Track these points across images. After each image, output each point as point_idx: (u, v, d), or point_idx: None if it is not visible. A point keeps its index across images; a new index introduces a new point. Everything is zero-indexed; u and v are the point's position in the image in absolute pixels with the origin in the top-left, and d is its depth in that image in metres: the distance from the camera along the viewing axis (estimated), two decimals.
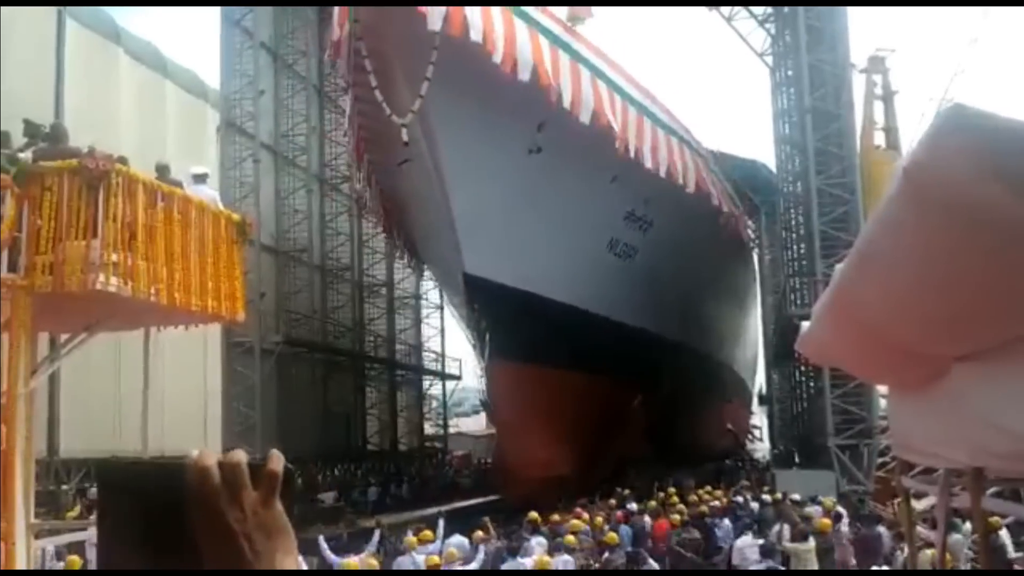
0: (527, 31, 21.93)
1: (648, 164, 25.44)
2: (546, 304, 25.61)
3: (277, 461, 1.16)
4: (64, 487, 30.03)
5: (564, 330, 25.81)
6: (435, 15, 19.80)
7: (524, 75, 21.36)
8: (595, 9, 26.74)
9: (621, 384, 28.99)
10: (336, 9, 21.74)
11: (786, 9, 33.16)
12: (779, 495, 21.47)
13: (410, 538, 15.49)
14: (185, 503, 1.14)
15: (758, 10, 42.56)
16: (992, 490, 4.04)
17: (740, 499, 21.75)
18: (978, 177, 2.02)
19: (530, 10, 22.63)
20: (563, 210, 25.14)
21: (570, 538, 15.20)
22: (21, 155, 9.12)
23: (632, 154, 24.79)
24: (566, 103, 22.51)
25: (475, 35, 20.48)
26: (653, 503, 20.59)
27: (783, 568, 14.52)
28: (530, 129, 23.40)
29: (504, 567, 13.97)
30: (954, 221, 2.24)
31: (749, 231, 50.72)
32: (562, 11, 24.51)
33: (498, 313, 24.89)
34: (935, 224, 2.34)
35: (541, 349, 25.27)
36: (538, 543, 14.71)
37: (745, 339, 51.08)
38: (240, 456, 1.16)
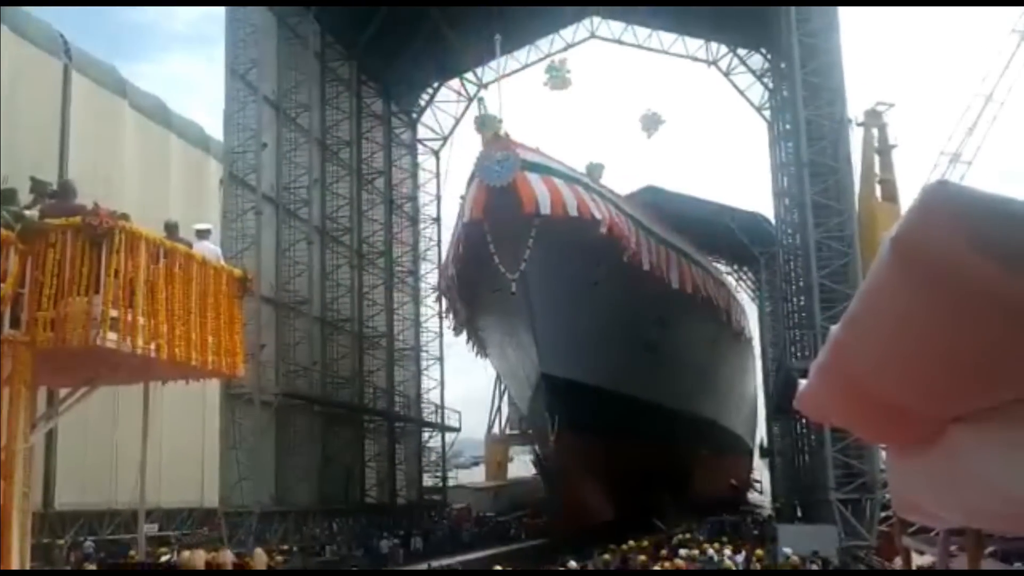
0: (602, 202, 30.01)
1: (674, 285, 34.63)
2: (598, 391, 33.05)
3: (260, 561, 1.20)
4: (59, 541, 29.63)
5: (609, 408, 33.36)
6: (543, 204, 27.72)
7: (603, 230, 29.33)
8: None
9: (648, 447, 35.84)
10: (474, 189, 28.75)
11: (783, 64, 33.55)
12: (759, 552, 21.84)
13: None
14: None
15: (755, 64, 43.20)
16: (989, 549, 4.04)
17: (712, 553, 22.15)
18: (962, 249, 2.07)
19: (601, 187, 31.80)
20: (612, 323, 32.58)
21: None
22: (27, 212, 9.18)
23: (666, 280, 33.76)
24: (631, 249, 30.88)
25: (571, 211, 28.42)
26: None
27: None
28: (592, 267, 30.45)
29: None
30: (940, 290, 2.29)
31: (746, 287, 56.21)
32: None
33: (564, 399, 31.85)
34: (923, 293, 2.39)
35: (594, 423, 32.54)
36: None
37: (743, 398, 57.60)
38: (226, 559, 1.19)
